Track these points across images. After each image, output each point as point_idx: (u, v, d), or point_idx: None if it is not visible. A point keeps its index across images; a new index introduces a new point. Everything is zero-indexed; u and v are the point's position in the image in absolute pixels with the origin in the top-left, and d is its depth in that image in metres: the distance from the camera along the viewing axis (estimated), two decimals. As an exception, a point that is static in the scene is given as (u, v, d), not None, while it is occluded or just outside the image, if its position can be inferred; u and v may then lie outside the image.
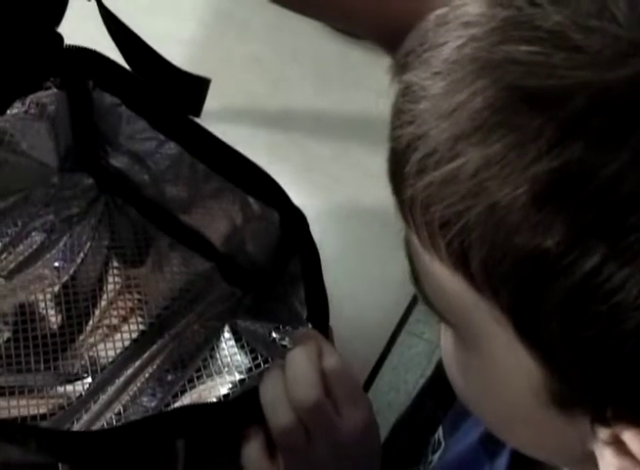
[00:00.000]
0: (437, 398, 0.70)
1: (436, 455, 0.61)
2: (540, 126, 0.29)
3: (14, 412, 0.61)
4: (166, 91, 0.63)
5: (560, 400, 0.32)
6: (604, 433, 0.32)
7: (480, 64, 0.30)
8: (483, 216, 0.30)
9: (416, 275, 0.36)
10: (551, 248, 0.28)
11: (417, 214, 0.33)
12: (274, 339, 0.58)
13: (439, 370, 0.77)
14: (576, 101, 0.28)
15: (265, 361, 0.60)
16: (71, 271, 0.68)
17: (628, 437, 0.31)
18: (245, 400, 0.52)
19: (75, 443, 0.50)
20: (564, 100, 0.29)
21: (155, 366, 0.65)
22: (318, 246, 0.58)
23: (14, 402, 0.62)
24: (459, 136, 0.30)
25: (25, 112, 0.64)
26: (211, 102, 0.68)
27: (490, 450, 0.53)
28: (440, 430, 0.62)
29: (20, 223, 0.68)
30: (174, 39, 0.85)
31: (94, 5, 0.62)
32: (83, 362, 0.65)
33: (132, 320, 0.67)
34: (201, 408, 0.52)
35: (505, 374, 0.34)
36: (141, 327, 0.66)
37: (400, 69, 0.34)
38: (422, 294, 0.36)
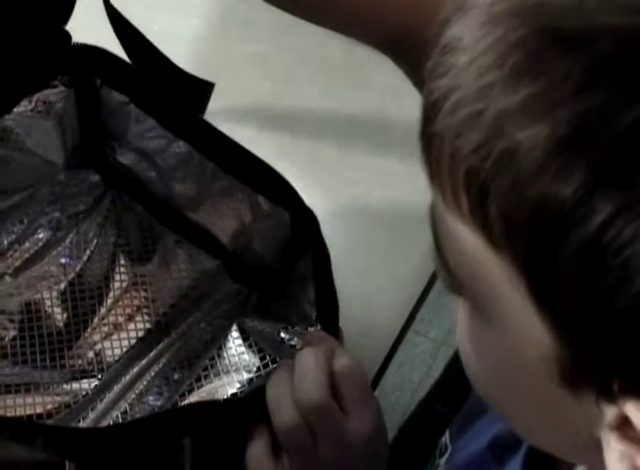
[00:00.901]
0: (446, 400, 0.69)
1: (443, 459, 0.61)
2: (567, 69, 0.29)
3: (20, 411, 0.61)
4: (172, 92, 0.63)
5: (568, 376, 0.32)
6: (610, 413, 0.32)
7: (514, 9, 0.31)
8: (503, 162, 0.30)
9: (438, 243, 0.36)
10: (568, 195, 0.28)
11: (443, 169, 0.33)
12: (282, 339, 0.58)
13: (448, 372, 0.78)
14: (604, 44, 0.28)
15: (273, 361, 0.60)
16: (78, 268, 0.68)
17: (633, 412, 0.30)
18: (252, 399, 0.52)
19: (82, 440, 0.49)
20: (592, 43, 0.29)
21: (161, 365, 0.64)
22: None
23: (20, 401, 0.61)
24: (487, 81, 0.31)
25: (32, 109, 0.64)
26: (216, 102, 0.68)
27: (499, 456, 0.52)
28: (447, 433, 0.62)
29: (25, 221, 0.68)
30: (179, 37, 0.85)
31: (101, 3, 0.62)
32: (89, 360, 0.64)
33: (138, 318, 0.67)
34: (208, 406, 0.52)
35: (517, 345, 0.34)
36: (147, 325, 0.66)
37: (441, 27, 0.34)
38: (442, 263, 0.36)
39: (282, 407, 0.50)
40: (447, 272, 0.36)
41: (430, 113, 0.33)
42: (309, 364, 0.50)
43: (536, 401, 0.36)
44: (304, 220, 0.59)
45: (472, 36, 0.32)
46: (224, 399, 0.58)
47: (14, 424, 0.52)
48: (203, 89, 0.67)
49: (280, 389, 0.50)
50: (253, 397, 0.52)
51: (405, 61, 0.62)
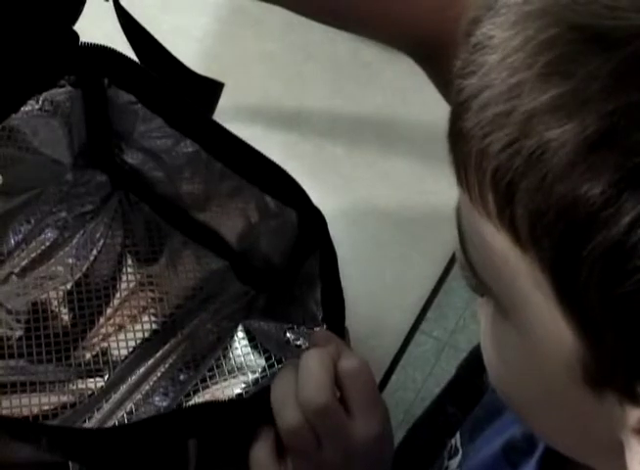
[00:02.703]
0: (457, 401, 0.69)
1: (453, 462, 0.60)
2: (597, 69, 0.28)
3: (25, 410, 0.61)
4: (180, 92, 0.63)
5: (592, 377, 0.32)
6: (633, 416, 0.31)
7: (545, 9, 0.31)
8: (532, 161, 0.30)
9: (463, 242, 0.36)
10: (596, 195, 0.28)
11: (470, 168, 0.33)
12: (288, 339, 0.58)
13: (460, 373, 0.77)
14: (635, 44, 0.28)
15: (279, 362, 0.59)
16: (85, 269, 0.68)
17: None
18: (257, 400, 0.51)
19: (86, 441, 0.49)
20: (623, 43, 0.28)
21: (167, 365, 0.64)
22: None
23: (25, 401, 0.61)
24: (517, 80, 0.31)
25: (39, 109, 0.64)
26: (225, 99, 0.67)
27: (513, 460, 0.52)
28: (458, 436, 0.62)
29: (32, 221, 0.68)
30: (188, 35, 0.84)
31: (110, 3, 0.62)
32: (96, 361, 0.64)
33: (145, 319, 0.67)
34: (212, 407, 0.52)
35: (540, 346, 0.34)
36: (154, 326, 0.66)
37: (472, 26, 0.34)
38: (467, 262, 0.36)
39: (286, 409, 0.49)
40: (471, 271, 0.36)
41: (458, 111, 0.33)
42: (314, 365, 0.50)
43: (558, 403, 0.36)
44: (312, 220, 0.59)
45: (502, 35, 0.32)
46: (229, 400, 0.57)
47: (18, 424, 0.52)
48: (212, 89, 0.67)
49: (284, 390, 0.50)
50: (258, 397, 0.51)
51: (429, 63, 0.61)
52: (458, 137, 0.33)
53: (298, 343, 0.57)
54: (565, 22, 0.30)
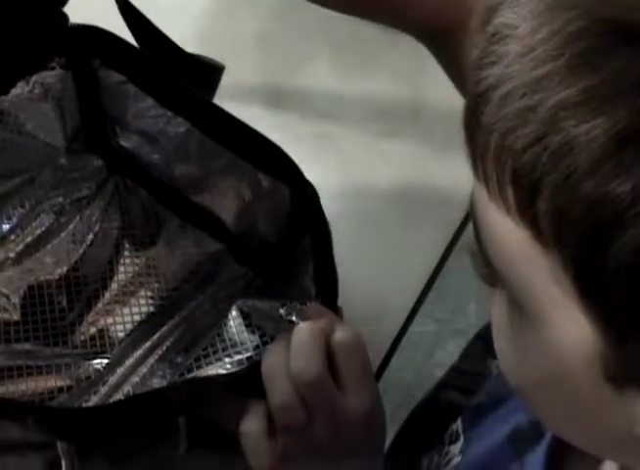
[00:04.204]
0: (460, 387, 0.68)
1: (454, 447, 0.59)
2: (628, 62, 0.28)
3: (22, 394, 0.60)
4: (172, 70, 0.62)
5: (612, 373, 0.31)
6: None
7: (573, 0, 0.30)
8: (558, 157, 0.29)
9: (477, 232, 0.35)
10: (625, 193, 0.27)
11: (488, 161, 0.32)
12: (281, 315, 0.57)
13: (463, 359, 0.76)
14: None
15: (273, 339, 0.58)
16: (81, 253, 0.67)
17: None
18: (247, 375, 0.50)
19: (72, 419, 0.48)
20: None
21: (165, 348, 0.64)
22: (332, 227, 0.56)
23: (22, 385, 0.61)
24: (543, 73, 0.30)
25: (30, 91, 0.63)
26: (225, 80, 0.67)
27: (518, 447, 0.51)
28: (459, 422, 0.60)
29: (27, 205, 0.67)
30: (186, 12, 0.84)
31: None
32: (93, 344, 0.64)
33: (142, 302, 0.66)
34: (201, 382, 0.51)
35: (556, 340, 0.33)
36: (151, 308, 0.65)
37: (489, 14, 0.33)
38: (480, 252, 0.36)
39: (276, 382, 0.48)
40: (484, 262, 0.35)
41: (476, 103, 0.32)
42: (305, 338, 0.49)
43: (574, 397, 0.35)
44: (305, 195, 0.58)
45: (526, 25, 0.31)
46: (218, 375, 0.57)
47: (5, 404, 0.51)
48: (213, 72, 0.66)
49: (275, 363, 0.49)
50: (249, 372, 0.50)
51: (435, 45, 0.61)
52: (476, 129, 0.32)
53: (292, 318, 0.56)
54: (593, 14, 0.29)
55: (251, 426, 0.50)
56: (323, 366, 0.48)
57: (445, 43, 0.59)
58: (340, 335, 0.50)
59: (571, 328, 0.32)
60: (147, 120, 0.64)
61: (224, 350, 0.61)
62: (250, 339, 0.60)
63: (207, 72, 0.66)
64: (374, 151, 0.79)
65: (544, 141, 0.29)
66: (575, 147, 0.28)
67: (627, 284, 0.28)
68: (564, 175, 0.29)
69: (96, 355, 0.63)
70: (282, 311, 0.57)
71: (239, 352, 0.60)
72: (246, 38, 0.84)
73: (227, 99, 0.63)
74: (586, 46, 0.29)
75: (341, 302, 0.55)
